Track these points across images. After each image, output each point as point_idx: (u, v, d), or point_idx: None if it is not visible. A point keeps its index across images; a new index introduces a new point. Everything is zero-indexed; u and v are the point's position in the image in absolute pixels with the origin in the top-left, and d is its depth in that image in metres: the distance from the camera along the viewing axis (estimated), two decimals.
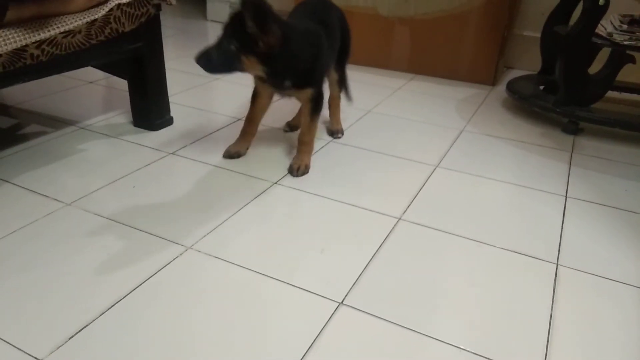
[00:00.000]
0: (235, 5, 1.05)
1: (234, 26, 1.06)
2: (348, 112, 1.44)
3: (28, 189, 1.13)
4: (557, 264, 0.97)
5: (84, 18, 1.10)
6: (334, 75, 1.37)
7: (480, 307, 0.85)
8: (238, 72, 1.13)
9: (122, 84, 1.49)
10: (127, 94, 1.46)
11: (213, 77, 1.96)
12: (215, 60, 1.10)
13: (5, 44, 0.98)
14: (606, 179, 1.31)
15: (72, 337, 0.75)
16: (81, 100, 1.68)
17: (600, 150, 1.47)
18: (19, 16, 1.01)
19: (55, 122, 1.48)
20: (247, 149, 1.33)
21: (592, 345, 0.79)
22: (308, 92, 1.20)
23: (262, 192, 1.16)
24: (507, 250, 1.00)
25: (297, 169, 1.23)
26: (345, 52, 1.37)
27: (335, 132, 1.46)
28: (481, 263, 0.96)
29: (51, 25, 1.05)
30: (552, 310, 0.85)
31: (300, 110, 1.43)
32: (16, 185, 1.14)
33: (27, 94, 1.66)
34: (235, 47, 1.07)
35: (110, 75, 1.63)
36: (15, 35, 0.99)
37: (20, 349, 0.73)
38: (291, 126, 1.49)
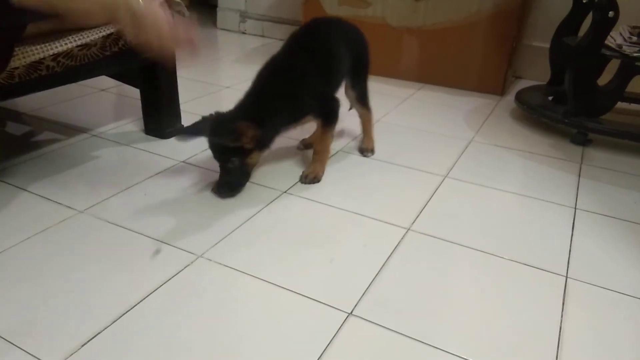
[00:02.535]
0: (209, 139, 1.14)
1: (221, 150, 1.14)
2: (356, 122, 1.45)
3: (41, 196, 1.14)
4: (567, 277, 0.97)
5: (101, 32, 1.12)
6: (351, 93, 1.37)
7: (489, 319, 0.85)
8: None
9: (134, 92, 1.51)
10: (139, 101, 1.48)
11: (223, 85, 1.98)
12: (234, 183, 1.18)
13: (24, 57, 0.99)
14: (616, 191, 1.30)
15: (85, 344, 0.76)
16: (93, 108, 1.70)
17: (610, 162, 1.47)
18: (38, 30, 1.03)
19: (68, 130, 1.50)
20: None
21: (602, 359, 0.79)
22: (309, 118, 1.25)
23: (272, 201, 1.17)
24: (516, 262, 1.00)
25: (306, 177, 1.25)
26: (359, 70, 1.37)
27: (363, 150, 1.43)
28: (490, 275, 0.97)
29: (68, 39, 1.07)
30: (561, 323, 0.85)
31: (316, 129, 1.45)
32: (29, 192, 1.16)
33: (40, 101, 1.69)
34: (238, 161, 1.14)
35: (122, 83, 1.65)
36: (33, 48, 1.01)
37: (33, 355, 0.74)
38: (306, 144, 1.46)
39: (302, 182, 1.25)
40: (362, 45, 1.38)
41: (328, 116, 1.25)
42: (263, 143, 1.16)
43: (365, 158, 1.41)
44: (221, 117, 1.13)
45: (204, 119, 1.13)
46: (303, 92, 1.20)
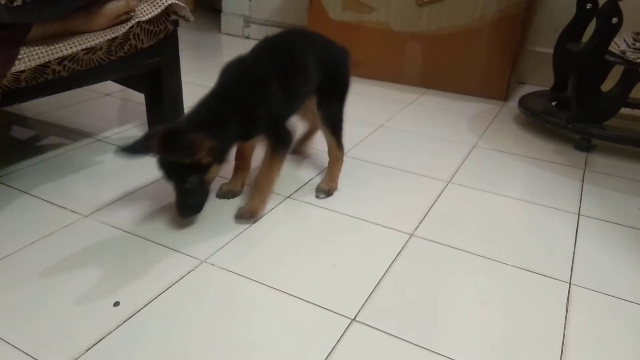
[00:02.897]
0: (159, 158, 1.00)
1: (175, 169, 1.00)
2: (360, 127, 1.45)
3: (46, 200, 1.15)
4: (570, 283, 0.96)
5: (105, 36, 1.13)
6: (318, 112, 1.21)
7: (492, 325, 0.85)
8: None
9: (138, 97, 1.52)
10: (143, 106, 1.49)
11: None
12: (195, 202, 1.05)
13: (30, 60, 1.00)
14: (619, 197, 1.30)
15: (89, 349, 0.76)
16: (98, 113, 1.71)
17: (613, 168, 1.47)
18: (43, 33, 1.04)
19: (73, 134, 1.51)
20: (243, 185, 1.22)
21: None
22: (261, 137, 1.11)
23: (275, 206, 1.17)
24: (519, 268, 1.00)
25: (241, 215, 1.11)
26: (330, 90, 1.21)
27: (318, 189, 1.24)
28: (493, 281, 0.97)
29: (74, 43, 1.08)
30: (564, 329, 0.85)
31: (305, 133, 1.42)
32: (34, 196, 1.16)
33: (45, 105, 1.70)
34: (196, 179, 1.01)
35: (126, 87, 1.66)
36: (39, 52, 1.02)
37: None
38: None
39: (236, 220, 1.11)
40: (337, 63, 1.23)
41: (279, 143, 1.12)
42: (221, 155, 1.03)
43: (368, 163, 1.42)
44: (170, 130, 0.97)
45: (150, 134, 1.00)
46: (260, 108, 1.08)
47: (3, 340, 0.77)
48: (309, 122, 1.40)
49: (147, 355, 0.76)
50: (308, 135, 1.44)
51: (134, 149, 0.98)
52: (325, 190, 1.23)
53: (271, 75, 1.09)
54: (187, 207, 1.05)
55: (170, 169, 1.00)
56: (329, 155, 1.27)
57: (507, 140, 1.63)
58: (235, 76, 1.09)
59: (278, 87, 1.09)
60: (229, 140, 1.05)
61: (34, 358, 0.75)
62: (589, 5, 1.69)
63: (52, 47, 1.05)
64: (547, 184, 1.35)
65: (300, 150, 1.43)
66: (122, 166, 1.33)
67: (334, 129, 1.23)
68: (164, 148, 0.95)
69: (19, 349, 0.76)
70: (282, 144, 1.12)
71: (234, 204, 1.17)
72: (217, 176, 1.06)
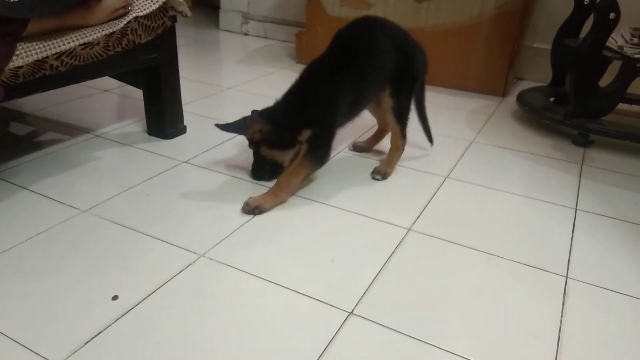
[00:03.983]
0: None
1: (249, 140, 1.23)
2: (358, 122, 1.45)
3: (44, 196, 1.15)
4: (567, 277, 0.97)
5: (103, 30, 1.13)
6: (389, 101, 1.27)
7: (489, 319, 0.86)
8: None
9: (136, 93, 1.52)
10: (141, 102, 1.49)
11: (225, 86, 1.99)
12: (257, 170, 1.26)
13: (27, 56, 1.00)
14: (616, 192, 1.31)
15: (88, 342, 0.77)
16: (96, 109, 1.71)
17: (611, 163, 1.47)
18: (41, 29, 1.04)
19: (71, 130, 1.51)
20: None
21: (602, 359, 0.79)
22: (306, 133, 1.17)
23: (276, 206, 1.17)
24: (517, 262, 1.01)
25: (247, 204, 1.13)
26: (402, 82, 1.27)
27: (375, 171, 1.32)
28: (490, 275, 0.97)
29: (71, 38, 1.08)
30: (561, 323, 0.85)
31: (372, 135, 1.48)
32: (33, 191, 1.16)
33: (43, 101, 1.70)
34: (255, 149, 1.23)
35: (124, 84, 1.66)
36: (36, 47, 1.02)
37: (37, 353, 0.74)
38: (357, 146, 1.47)
39: (242, 209, 1.13)
40: (411, 56, 1.28)
41: (315, 151, 1.17)
42: (274, 139, 1.19)
43: (365, 159, 1.42)
44: (252, 113, 1.17)
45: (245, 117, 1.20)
46: (319, 111, 1.18)
47: (2, 333, 0.78)
48: (379, 120, 1.45)
49: (145, 349, 0.77)
50: (378, 136, 1.47)
51: (231, 127, 1.22)
52: (382, 172, 1.31)
53: (341, 77, 1.18)
54: (254, 169, 1.27)
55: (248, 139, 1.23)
56: (392, 141, 1.34)
57: (505, 135, 1.64)
58: (311, 75, 1.22)
59: (345, 91, 1.19)
60: (283, 130, 1.18)
61: (32, 351, 0.75)
62: (586, 1, 1.69)
63: (50, 42, 1.05)
64: (544, 179, 1.36)
65: (366, 149, 1.47)
66: (120, 162, 1.34)
67: (400, 118, 1.31)
68: (243, 120, 1.19)
69: (18, 342, 0.76)
70: (318, 154, 1.19)
71: (229, 202, 1.17)
72: (277, 158, 1.22)
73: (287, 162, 1.23)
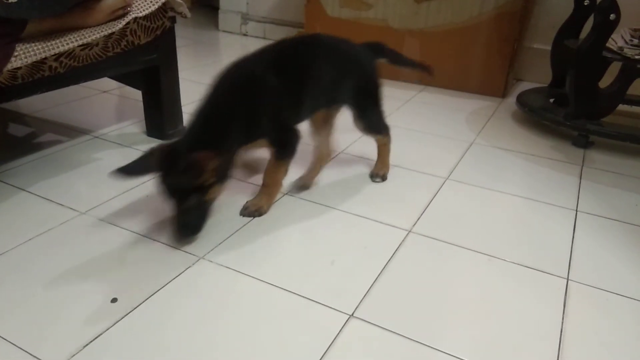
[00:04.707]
0: (162, 179, 0.95)
1: (178, 189, 0.95)
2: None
3: (43, 198, 1.15)
4: (568, 279, 0.97)
5: (102, 31, 1.12)
6: (360, 124, 1.21)
7: (490, 321, 0.85)
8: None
9: (135, 94, 1.52)
10: (140, 103, 1.49)
11: None
12: (195, 222, 0.99)
13: (26, 57, 1.00)
14: (617, 193, 1.30)
15: (86, 345, 0.76)
16: (95, 110, 1.71)
17: (611, 164, 1.47)
18: (40, 29, 1.04)
19: (70, 131, 1.50)
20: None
21: None
22: (263, 142, 1.07)
23: (273, 203, 1.17)
24: (517, 264, 1.00)
25: (246, 208, 1.11)
26: (364, 98, 1.19)
27: (373, 174, 1.31)
28: (491, 277, 0.97)
29: (70, 39, 1.07)
30: (562, 325, 0.85)
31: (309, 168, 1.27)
32: (32, 193, 1.16)
33: (42, 102, 1.69)
34: (197, 199, 0.96)
35: (123, 85, 1.66)
36: (35, 48, 1.02)
37: (35, 356, 0.74)
38: (299, 186, 1.25)
39: (240, 214, 1.11)
40: (364, 70, 1.19)
41: (283, 149, 1.09)
42: (224, 173, 0.99)
43: (366, 160, 1.41)
44: (171, 149, 0.94)
45: (150, 153, 0.96)
46: (262, 113, 1.04)
47: (0, 336, 0.77)
48: (319, 138, 1.25)
49: (144, 351, 0.76)
50: (316, 165, 1.26)
51: (133, 169, 0.96)
52: (380, 174, 1.29)
53: (279, 79, 1.05)
54: (186, 227, 0.99)
55: (171, 190, 0.95)
56: (377, 144, 1.30)
57: (505, 136, 1.63)
58: (236, 79, 1.05)
59: (284, 94, 1.05)
60: (231, 154, 1.01)
61: (31, 354, 0.74)
62: (586, 2, 1.69)
63: (49, 43, 1.04)
64: (544, 180, 1.35)
65: (308, 184, 1.25)
66: (119, 163, 1.32)
67: (379, 130, 1.26)
68: (167, 169, 0.93)
69: (16, 345, 0.76)
70: (286, 148, 1.09)
71: (229, 204, 1.17)
72: (218, 195, 1.01)
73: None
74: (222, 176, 0.98)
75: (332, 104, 1.19)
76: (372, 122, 1.24)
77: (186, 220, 0.98)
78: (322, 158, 1.26)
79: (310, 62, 1.11)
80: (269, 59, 1.09)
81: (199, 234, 1.01)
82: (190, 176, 0.92)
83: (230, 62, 1.08)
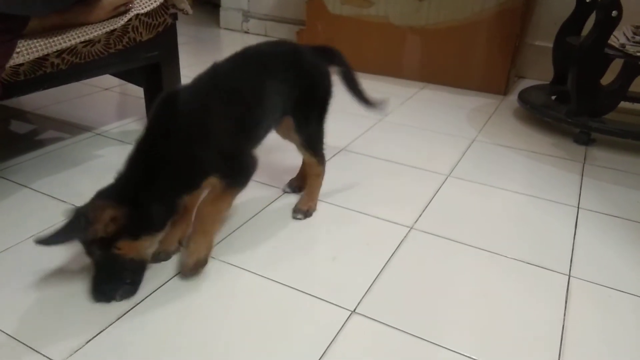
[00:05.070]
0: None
1: (84, 244, 0.83)
2: (359, 120, 1.45)
3: (46, 194, 1.15)
4: (569, 276, 0.97)
5: (104, 28, 1.13)
6: (295, 137, 1.07)
7: (492, 317, 0.86)
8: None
9: (137, 91, 1.52)
10: (142, 100, 1.49)
11: None
12: (113, 286, 0.84)
13: (28, 53, 1.00)
14: (618, 190, 1.30)
15: (89, 341, 0.77)
16: (97, 107, 1.71)
17: (613, 161, 1.47)
18: (42, 26, 1.04)
19: (72, 128, 1.50)
20: (180, 243, 0.98)
21: (604, 357, 0.79)
22: (212, 180, 0.89)
23: (274, 200, 1.17)
24: (519, 260, 1.00)
25: (184, 265, 0.90)
26: (308, 109, 1.06)
27: (296, 209, 1.12)
28: (493, 273, 0.97)
29: (72, 35, 1.07)
30: (564, 321, 0.85)
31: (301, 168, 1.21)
32: (34, 190, 1.16)
33: (44, 100, 1.70)
34: (101, 253, 0.83)
35: (125, 82, 1.66)
36: (37, 44, 1.02)
37: (37, 352, 0.74)
38: (294, 186, 1.21)
39: (181, 274, 0.91)
40: (311, 77, 1.05)
41: (238, 177, 0.92)
42: (148, 224, 0.84)
43: (367, 157, 1.41)
44: (82, 207, 0.81)
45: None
46: (207, 148, 0.87)
47: (2, 331, 0.77)
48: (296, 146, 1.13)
49: (147, 347, 0.76)
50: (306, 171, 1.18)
51: (61, 234, 0.78)
52: (304, 210, 1.11)
53: (212, 105, 0.90)
54: (98, 291, 0.84)
55: (81, 243, 0.83)
56: (308, 172, 1.14)
57: (507, 134, 1.63)
58: (170, 115, 0.88)
59: (224, 118, 0.90)
60: (163, 203, 0.85)
61: (34, 350, 0.75)
62: None
63: (51, 40, 1.05)
64: (546, 177, 1.35)
65: (303, 187, 1.19)
66: (121, 160, 1.33)
67: (315, 150, 1.10)
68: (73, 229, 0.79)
69: (19, 341, 0.76)
70: (241, 175, 0.92)
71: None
72: (145, 252, 0.87)
73: (151, 255, 0.89)
74: (144, 228, 0.83)
75: (283, 117, 1.04)
76: (311, 137, 1.08)
77: (98, 281, 0.84)
78: (310, 171, 1.15)
79: (250, 77, 0.97)
80: (203, 87, 0.94)
81: (118, 299, 0.85)
82: (75, 226, 0.78)
83: (162, 97, 0.92)
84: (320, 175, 1.14)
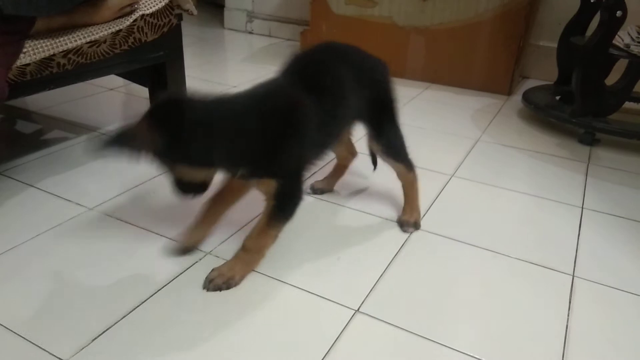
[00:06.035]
0: None
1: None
2: None
3: (51, 193, 1.15)
4: (573, 276, 0.97)
5: (109, 29, 1.13)
6: (377, 146, 1.05)
7: (496, 317, 0.86)
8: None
9: (142, 91, 1.53)
10: (147, 100, 1.49)
11: (230, 84, 1.99)
12: (184, 189, 0.85)
13: (34, 53, 1.01)
14: (623, 191, 1.30)
15: (95, 338, 0.77)
16: (102, 107, 1.72)
17: (617, 162, 1.46)
18: (48, 27, 1.04)
19: (77, 128, 1.51)
20: (201, 239, 0.99)
21: (608, 357, 0.79)
22: (270, 185, 0.87)
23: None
24: (523, 260, 1.00)
25: (211, 280, 0.88)
26: (382, 113, 1.03)
27: (403, 223, 1.08)
28: (496, 273, 0.97)
29: (78, 36, 1.08)
30: (567, 321, 0.85)
31: (331, 172, 1.19)
32: (40, 189, 1.17)
33: (49, 100, 1.70)
34: (174, 179, 0.83)
35: (130, 82, 1.67)
36: (43, 45, 1.03)
37: (45, 350, 0.75)
38: (316, 189, 1.19)
39: (204, 287, 0.89)
40: (381, 83, 1.03)
41: (285, 203, 0.89)
42: (193, 161, 0.81)
43: (367, 157, 1.41)
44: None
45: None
46: (279, 147, 0.84)
47: (9, 329, 0.78)
48: (339, 154, 1.19)
49: (152, 344, 0.77)
50: (338, 172, 1.20)
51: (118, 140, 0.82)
52: (412, 222, 1.08)
53: (306, 106, 0.87)
54: (173, 190, 0.86)
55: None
56: (401, 180, 1.10)
57: (511, 134, 1.63)
58: (264, 97, 0.86)
59: (313, 123, 0.87)
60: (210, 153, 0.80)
61: (40, 347, 0.75)
62: None
63: (57, 40, 1.05)
64: (550, 177, 1.35)
65: (327, 189, 1.20)
66: (125, 161, 1.33)
67: (400, 155, 1.06)
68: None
69: (26, 339, 0.77)
70: (283, 208, 0.89)
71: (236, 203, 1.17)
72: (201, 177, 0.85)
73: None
74: (186, 157, 0.80)
75: (352, 124, 1.04)
76: (391, 143, 1.05)
77: (173, 184, 0.85)
78: (343, 161, 1.17)
79: (339, 77, 0.94)
80: (296, 80, 0.91)
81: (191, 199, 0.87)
82: (122, 139, 0.80)
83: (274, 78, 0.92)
84: (414, 181, 1.09)
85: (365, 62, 1.01)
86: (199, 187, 0.86)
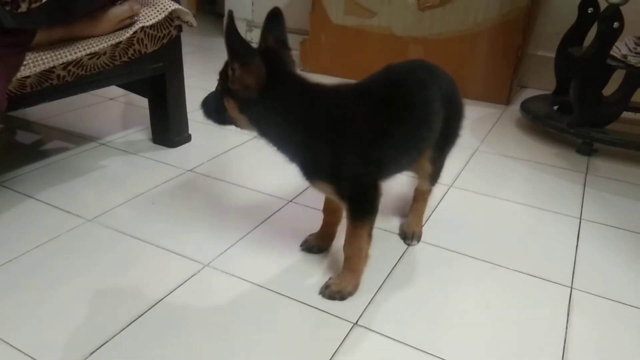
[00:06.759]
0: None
1: (225, 65, 0.84)
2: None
3: (50, 205, 1.16)
4: (572, 287, 0.97)
5: (109, 41, 1.14)
6: (428, 167, 1.03)
7: (494, 329, 0.86)
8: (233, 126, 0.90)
9: (141, 101, 1.53)
10: (146, 110, 1.50)
11: None
12: (210, 104, 0.91)
13: (35, 66, 1.01)
14: (621, 201, 1.30)
15: (94, 352, 0.77)
16: (101, 117, 1.72)
17: (615, 172, 1.47)
18: (48, 39, 1.05)
19: (76, 138, 1.51)
20: (332, 240, 1.04)
21: None
22: (327, 188, 0.89)
23: (278, 210, 1.18)
24: (521, 272, 1.00)
25: (326, 287, 0.91)
26: (448, 140, 1.03)
27: (407, 235, 1.08)
28: (494, 285, 0.97)
29: (78, 48, 1.09)
30: (566, 333, 0.85)
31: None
32: (39, 200, 1.17)
33: (49, 110, 1.71)
34: (220, 87, 0.87)
35: (129, 92, 1.67)
36: (43, 57, 1.03)
37: None
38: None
39: (320, 293, 0.91)
40: (456, 109, 1.02)
41: (361, 204, 0.89)
42: (249, 118, 0.85)
43: None
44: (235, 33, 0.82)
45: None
46: (345, 145, 0.85)
47: (7, 342, 0.78)
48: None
49: (150, 358, 0.77)
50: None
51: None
52: (417, 235, 1.08)
53: (391, 115, 0.88)
54: (205, 100, 0.92)
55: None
56: (417, 193, 1.10)
57: (509, 144, 1.64)
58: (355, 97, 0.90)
59: (376, 135, 0.87)
60: (268, 115, 0.84)
61: None
62: (590, 10, 1.69)
63: (57, 53, 1.06)
64: (549, 187, 1.35)
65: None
66: (125, 170, 1.34)
67: (436, 181, 1.08)
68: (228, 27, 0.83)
69: (23, 352, 0.76)
70: (360, 208, 0.89)
71: (234, 212, 1.18)
72: (238, 125, 0.88)
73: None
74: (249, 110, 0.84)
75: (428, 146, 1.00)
76: (439, 170, 1.06)
77: (207, 99, 0.92)
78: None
79: (427, 96, 0.94)
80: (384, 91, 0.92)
81: (206, 118, 0.91)
82: (226, 69, 0.83)
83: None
84: (428, 197, 1.11)
85: (449, 86, 1.01)
86: (226, 120, 0.89)
